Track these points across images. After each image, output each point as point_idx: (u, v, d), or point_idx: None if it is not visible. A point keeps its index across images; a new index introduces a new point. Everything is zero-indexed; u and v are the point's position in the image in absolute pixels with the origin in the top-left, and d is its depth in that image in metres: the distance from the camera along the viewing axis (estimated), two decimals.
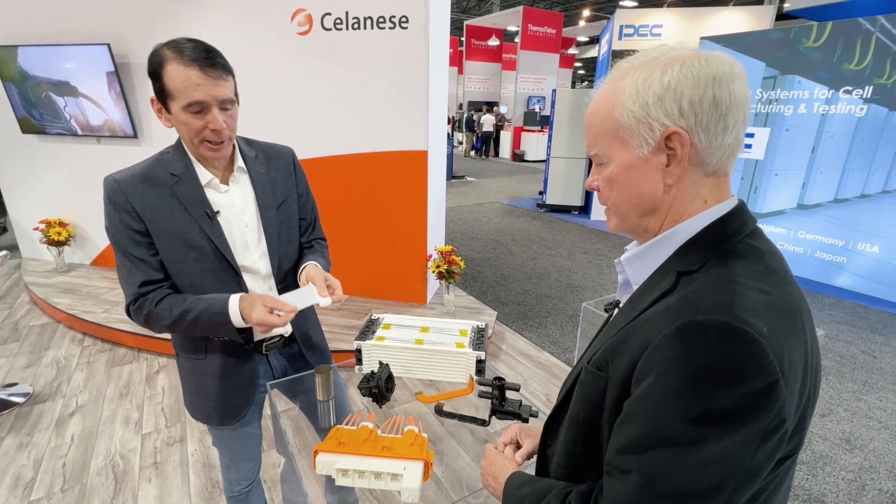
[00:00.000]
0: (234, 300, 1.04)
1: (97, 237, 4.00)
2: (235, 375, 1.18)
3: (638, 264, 0.66)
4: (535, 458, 0.81)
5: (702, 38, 4.84)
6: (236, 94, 1.05)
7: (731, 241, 0.58)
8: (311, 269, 1.15)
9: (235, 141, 1.14)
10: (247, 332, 1.16)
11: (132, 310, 1.06)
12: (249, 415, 1.24)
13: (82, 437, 2.26)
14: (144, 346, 3.02)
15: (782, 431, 0.50)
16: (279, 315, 1.01)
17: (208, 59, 0.95)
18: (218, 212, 1.08)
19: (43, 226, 3.78)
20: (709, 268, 0.56)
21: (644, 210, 0.62)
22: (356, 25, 2.94)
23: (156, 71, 0.96)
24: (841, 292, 4.21)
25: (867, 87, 3.92)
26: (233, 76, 1.02)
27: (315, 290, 1.08)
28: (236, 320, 1.03)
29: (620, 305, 0.73)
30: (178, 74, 0.94)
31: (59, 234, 3.78)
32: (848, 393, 2.74)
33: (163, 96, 0.97)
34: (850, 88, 4.01)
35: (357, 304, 3.45)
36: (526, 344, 3.27)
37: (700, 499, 0.49)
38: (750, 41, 4.51)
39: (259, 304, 1.01)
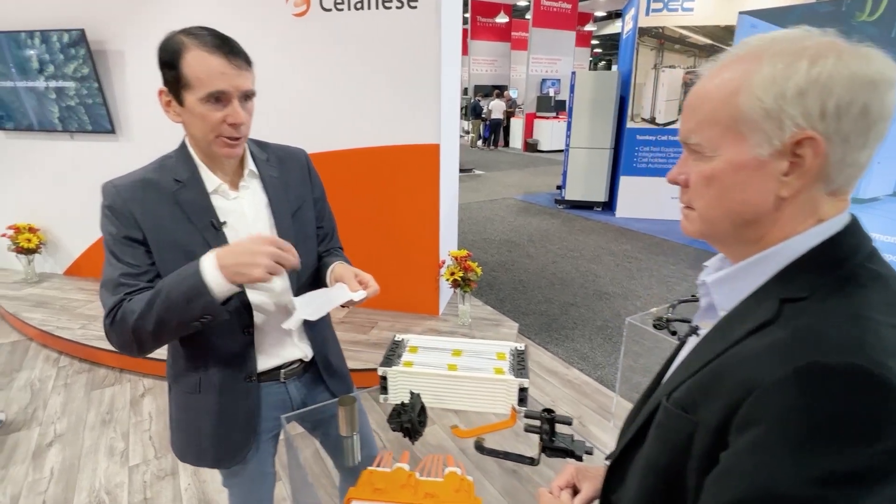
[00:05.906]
0: (210, 253, 0.94)
1: (71, 244, 3.99)
2: (233, 413, 1.15)
3: (727, 287, 0.63)
4: None
5: (741, 13, 4.81)
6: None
7: (847, 264, 0.55)
8: (338, 268, 1.17)
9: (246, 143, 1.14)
10: (247, 360, 1.12)
11: (107, 323, 0.98)
12: (264, 452, 1.23)
13: (63, 470, 2.25)
14: (127, 367, 3.01)
15: None
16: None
17: (231, 47, 0.97)
18: (224, 222, 1.07)
19: (11, 232, 3.78)
20: (823, 297, 0.54)
21: (742, 221, 0.59)
22: (359, 5, 2.92)
23: (173, 59, 0.95)
24: None
25: None
26: (252, 68, 1.02)
27: (346, 287, 1.09)
28: (214, 280, 0.92)
29: (699, 332, 0.72)
30: (199, 62, 0.94)
31: (29, 240, 3.78)
32: None
33: (177, 86, 0.97)
34: None
35: (362, 315, 3.43)
36: (551, 359, 3.25)
37: None
38: (796, 16, 4.47)
39: (258, 249, 0.92)
